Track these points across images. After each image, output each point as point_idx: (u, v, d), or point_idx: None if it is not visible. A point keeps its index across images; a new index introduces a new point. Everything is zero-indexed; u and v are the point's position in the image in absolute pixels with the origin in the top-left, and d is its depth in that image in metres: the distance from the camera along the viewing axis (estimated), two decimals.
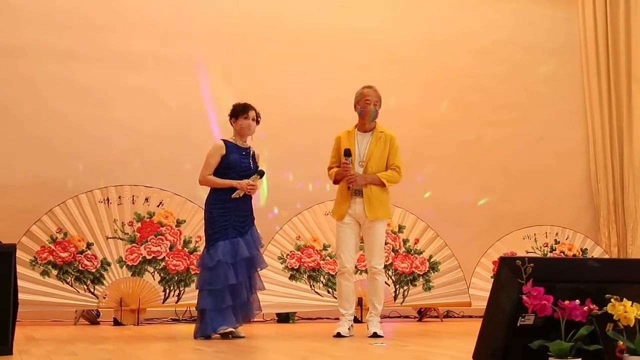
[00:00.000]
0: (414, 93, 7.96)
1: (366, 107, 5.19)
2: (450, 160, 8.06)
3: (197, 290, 5.06)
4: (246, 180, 5.08)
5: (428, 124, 7.98)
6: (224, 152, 5.10)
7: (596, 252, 7.65)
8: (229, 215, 5.02)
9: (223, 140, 5.20)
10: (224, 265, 4.90)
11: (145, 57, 7.19)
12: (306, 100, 7.62)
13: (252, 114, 5.18)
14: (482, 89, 8.27)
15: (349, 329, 5.09)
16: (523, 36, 8.51)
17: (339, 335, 4.99)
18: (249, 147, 5.25)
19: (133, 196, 6.47)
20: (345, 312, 5.15)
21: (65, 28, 6.98)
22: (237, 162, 5.10)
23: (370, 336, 4.97)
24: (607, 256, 7.83)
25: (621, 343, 2.77)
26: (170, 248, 6.47)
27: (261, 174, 5.18)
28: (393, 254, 7.01)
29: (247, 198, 5.13)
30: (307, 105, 7.59)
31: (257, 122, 5.24)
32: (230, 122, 5.24)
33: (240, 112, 5.17)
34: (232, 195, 5.04)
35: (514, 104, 8.40)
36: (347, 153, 5.12)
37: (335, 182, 5.27)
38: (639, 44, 8.44)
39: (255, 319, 5.49)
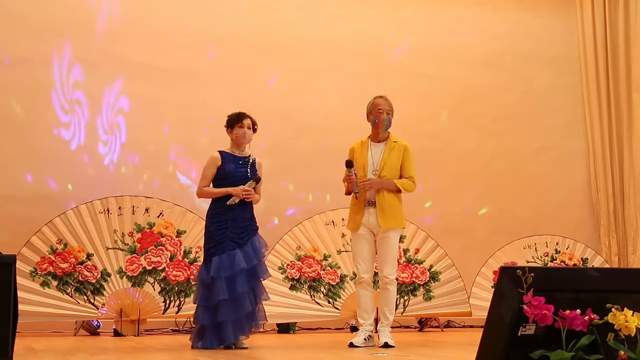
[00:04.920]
0: (413, 103, 7.97)
1: (379, 116, 5.21)
2: (450, 170, 8.06)
3: (195, 304, 5.10)
4: (241, 186, 5.05)
5: (428, 134, 7.98)
6: (220, 163, 5.11)
7: (597, 262, 7.64)
8: (226, 228, 5.01)
9: (219, 151, 5.19)
10: (218, 280, 4.90)
11: (146, 66, 7.19)
12: (306, 110, 7.64)
13: (247, 122, 5.17)
14: (481, 99, 8.29)
15: (365, 339, 5.06)
16: (522, 46, 8.53)
17: (352, 345, 4.99)
18: (248, 156, 5.23)
19: (133, 207, 6.46)
20: (364, 322, 5.15)
21: (67, 37, 6.99)
22: (231, 172, 5.09)
23: (382, 346, 4.97)
24: (607, 265, 7.82)
25: (622, 353, 2.77)
26: (171, 259, 6.46)
27: (257, 179, 5.14)
28: None
29: (246, 207, 5.11)
30: (308, 116, 7.61)
31: (254, 130, 5.23)
32: (227, 133, 5.24)
33: (235, 121, 5.18)
34: (228, 202, 5.02)
35: (514, 113, 8.41)
36: (349, 164, 5.13)
37: (348, 193, 5.28)
38: (639, 53, 8.45)
39: (255, 330, 5.49)
